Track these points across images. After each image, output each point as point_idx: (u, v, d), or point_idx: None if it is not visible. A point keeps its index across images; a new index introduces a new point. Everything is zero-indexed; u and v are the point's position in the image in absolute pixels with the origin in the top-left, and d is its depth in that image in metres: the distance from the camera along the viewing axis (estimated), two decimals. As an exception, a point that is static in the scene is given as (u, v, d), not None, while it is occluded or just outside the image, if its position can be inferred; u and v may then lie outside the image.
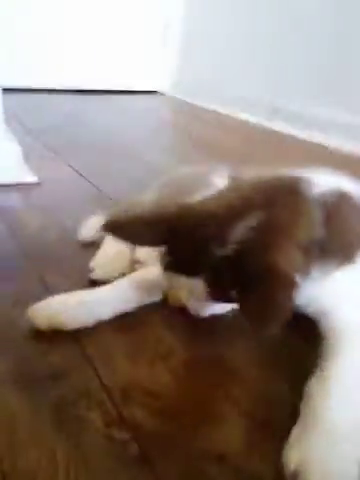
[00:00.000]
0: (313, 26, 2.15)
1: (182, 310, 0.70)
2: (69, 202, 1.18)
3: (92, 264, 0.82)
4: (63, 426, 0.52)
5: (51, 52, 2.65)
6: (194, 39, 2.90)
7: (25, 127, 1.87)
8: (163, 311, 0.73)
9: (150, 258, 0.82)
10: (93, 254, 0.86)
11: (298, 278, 0.54)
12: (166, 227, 0.60)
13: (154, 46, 2.96)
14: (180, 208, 0.61)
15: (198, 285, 0.59)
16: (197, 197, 0.65)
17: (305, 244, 0.57)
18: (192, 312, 0.67)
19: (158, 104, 2.89)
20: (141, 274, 0.76)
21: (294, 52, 2.25)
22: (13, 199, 1.18)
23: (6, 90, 1.35)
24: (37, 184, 1.27)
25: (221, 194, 0.63)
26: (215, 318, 0.68)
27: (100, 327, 0.68)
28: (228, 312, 0.67)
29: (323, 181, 0.64)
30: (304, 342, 0.67)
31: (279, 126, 2.22)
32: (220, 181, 0.76)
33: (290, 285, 0.53)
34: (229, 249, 0.56)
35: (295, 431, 0.50)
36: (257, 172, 0.72)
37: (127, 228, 0.62)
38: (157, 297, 0.74)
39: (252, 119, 2.39)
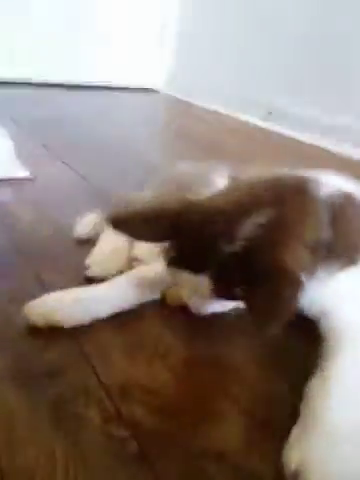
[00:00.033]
0: (311, 26, 2.15)
1: (181, 309, 0.70)
2: (62, 198, 1.17)
3: (88, 261, 0.81)
4: (61, 423, 0.52)
5: (47, 47, 2.63)
6: (190, 37, 2.90)
7: (17, 122, 1.85)
8: (162, 309, 0.72)
9: (148, 255, 0.81)
10: (88, 251, 0.86)
11: (304, 277, 0.54)
12: (172, 222, 0.59)
13: (151, 44, 2.96)
14: (187, 203, 0.61)
15: (202, 282, 0.58)
16: (200, 194, 0.64)
17: (312, 244, 0.57)
18: (193, 310, 0.67)
19: (153, 102, 2.88)
20: (139, 272, 0.75)
21: (291, 52, 2.26)
22: (5, 194, 1.16)
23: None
24: (29, 179, 1.26)
25: (228, 191, 0.63)
26: (215, 317, 0.68)
27: (97, 325, 0.68)
28: (229, 311, 0.67)
29: (330, 182, 0.64)
30: (304, 342, 0.67)
31: (275, 127, 2.23)
32: (220, 180, 0.76)
33: (296, 284, 0.53)
34: (237, 246, 0.56)
35: (295, 431, 0.50)
36: (257, 172, 0.72)
37: (131, 223, 0.61)
38: (156, 295, 0.74)
39: (249, 119, 2.39)
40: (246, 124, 2.37)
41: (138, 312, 0.72)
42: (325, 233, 0.59)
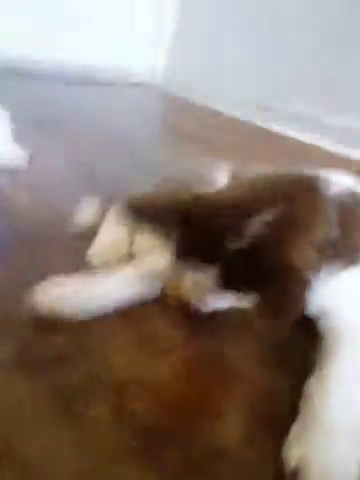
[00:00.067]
0: (311, 22, 2.15)
1: (182, 305, 0.70)
2: (58, 183, 1.17)
3: (90, 251, 0.81)
4: (67, 414, 0.52)
5: (41, 35, 2.56)
6: (187, 32, 2.87)
7: (11, 108, 1.81)
8: (163, 304, 0.72)
9: (148, 248, 0.82)
10: (88, 238, 0.85)
11: (310, 276, 0.55)
12: (182, 213, 0.59)
13: (147, 38, 2.91)
14: (197, 196, 0.61)
15: (208, 275, 0.59)
16: (206, 190, 0.65)
17: (320, 242, 0.58)
18: (194, 305, 0.67)
19: (148, 96, 2.85)
20: (142, 265, 0.75)
21: (290, 48, 2.26)
22: (1, 178, 1.14)
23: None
24: (25, 163, 1.23)
25: (237, 187, 0.63)
26: (216, 314, 0.68)
27: (99, 316, 0.68)
28: (230, 308, 0.67)
29: (340, 181, 0.65)
30: (304, 341, 0.68)
31: (273, 125, 2.23)
32: (222, 177, 0.76)
33: (303, 282, 0.54)
34: (244, 242, 0.56)
35: (295, 428, 0.52)
36: (259, 170, 0.73)
37: (145, 211, 0.61)
38: (157, 288, 0.74)
39: (245, 116, 2.39)
40: (243, 121, 2.37)
41: (138, 306, 0.72)
42: (333, 232, 0.59)
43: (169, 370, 0.61)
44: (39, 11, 2.52)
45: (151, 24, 2.92)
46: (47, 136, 1.54)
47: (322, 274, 0.60)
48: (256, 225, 0.57)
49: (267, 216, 0.57)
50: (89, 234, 0.87)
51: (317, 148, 1.96)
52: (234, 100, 2.47)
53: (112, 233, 0.85)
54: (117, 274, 0.73)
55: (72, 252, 0.83)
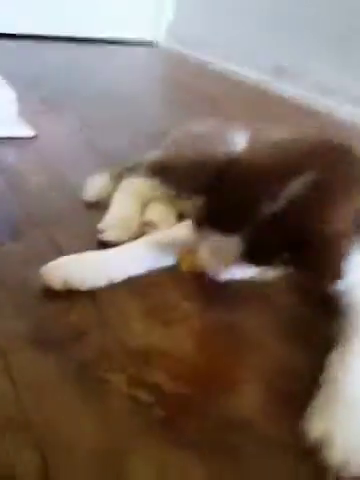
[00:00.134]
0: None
1: (196, 275, 0.70)
2: (68, 157, 1.15)
3: (101, 225, 0.80)
4: (88, 388, 0.52)
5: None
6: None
7: (14, 77, 1.77)
8: (177, 275, 0.72)
9: (161, 219, 0.81)
10: (98, 212, 0.85)
11: (348, 245, 0.53)
12: (217, 173, 0.57)
13: None
14: (235, 156, 0.59)
15: (232, 243, 0.57)
16: (220, 153, 0.63)
17: (357, 212, 0.55)
18: (210, 274, 0.65)
19: (153, 55, 2.78)
20: (156, 236, 0.75)
21: (301, 8, 2.16)
22: (9, 154, 1.13)
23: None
24: (33, 138, 1.22)
25: (272, 149, 0.61)
26: (230, 284, 0.68)
27: (114, 289, 0.68)
28: (247, 280, 0.66)
29: None
30: (322, 316, 0.67)
31: (285, 86, 2.16)
32: (240, 139, 0.74)
33: (342, 249, 0.52)
34: (280, 205, 0.54)
35: (317, 403, 0.51)
36: (277, 133, 0.71)
37: (173, 169, 0.59)
38: (170, 260, 0.74)
39: (253, 75, 2.32)
40: (252, 81, 2.29)
41: (153, 277, 0.72)
42: None
43: (187, 339, 0.61)
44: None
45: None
46: (53, 107, 1.51)
47: (355, 246, 0.58)
48: (293, 189, 0.54)
49: (306, 180, 0.54)
50: (102, 208, 0.86)
51: (330, 115, 1.90)
52: (246, 62, 2.39)
53: (124, 206, 0.84)
54: (131, 247, 0.72)
55: (85, 227, 0.83)
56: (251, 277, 0.65)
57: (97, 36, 2.71)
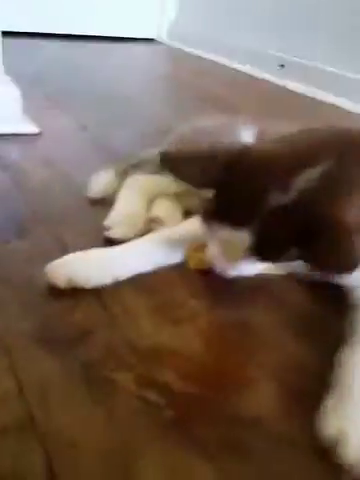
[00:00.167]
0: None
1: (203, 272, 0.69)
2: (73, 154, 1.14)
3: (107, 222, 0.79)
4: (95, 388, 0.51)
5: None
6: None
7: (18, 74, 1.77)
8: (184, 272, 0.71)
9: (167, 216, 0.80)
10: (103, 209, 0.84)
11: None
12: (226, 165, 0.56)
13: None
14: (244, 148, 0.58)
15: (240, 238, 0.56)
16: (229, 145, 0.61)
17: None
18: (218, 271, 0.64)
19: (156, 53, 2.77)
20: (162, 233, 0.73)
21: (303, 3, 2.14)
22: (14, 150, 1.12)
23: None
24: (37, 135, 1.21)
25: (282, 141, 0.60)
26: (238, 281, 0.66)
27: (121, 287, 0.67)
28: (255, 277, 0.65)
29: None
30: (332, 312, 0.66)
31: (288, 82, 2.14)
32: (247, 134, 0.73)
33: (355, 240, 0.51)
34: (290, 196, 0.53)
35: (330, 400, 0.50)
36: (286, 128, 0.69)
37: (182, 161, 0.58)
38: (178, 258, 0.72)
39: (256, 72, 2.30)
40: (255, 78, 2.28)
41: (160, 275, 0.70)
42: None
43: (196, 338, 0.60)
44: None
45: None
46: (57, 104, 1.50)
47: None
48: (305, 180, 0.53)
49: (318, 171, 0.54)
50: (107, 205, 0.85)
51: (336, 107, 1.88)
52: (248, 57, 2.38)
53: (129, 202, 0.83)
54: (137, 243, 0.71)
55: (90, 224, 0.82)
56: (259, 274, 0.64)
57: (100, 34, 2.70)
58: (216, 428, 0.49)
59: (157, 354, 0.57)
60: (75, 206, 0.89)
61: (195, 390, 0.53)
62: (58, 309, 0.62)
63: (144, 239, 0.72)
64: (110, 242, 0.75)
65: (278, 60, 2.25)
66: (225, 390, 0.53)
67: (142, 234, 0.75)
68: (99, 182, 0.92)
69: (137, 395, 0.51)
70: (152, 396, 0.51)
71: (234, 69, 2.41)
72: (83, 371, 0.53)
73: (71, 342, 0.57)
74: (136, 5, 2.76)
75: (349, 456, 0.45)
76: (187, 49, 2.74)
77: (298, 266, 0.62)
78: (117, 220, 0.79)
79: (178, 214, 0.82)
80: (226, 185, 0.57)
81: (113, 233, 0.76)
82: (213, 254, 0.63)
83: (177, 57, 2.70)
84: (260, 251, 0.57)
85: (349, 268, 0.52)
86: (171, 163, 0.58)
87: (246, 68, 2.37)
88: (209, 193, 0.58)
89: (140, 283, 0.68)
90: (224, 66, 2.46)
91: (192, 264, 0.71)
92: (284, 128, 0.70)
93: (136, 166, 0.92)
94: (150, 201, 0.84)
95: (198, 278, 0.70)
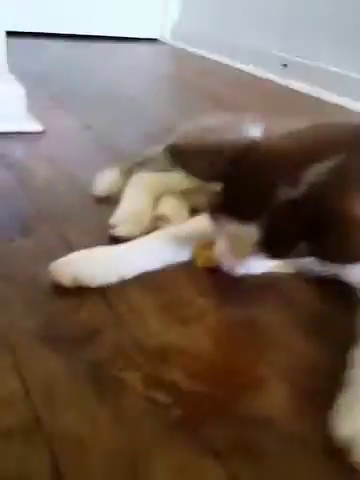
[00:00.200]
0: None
1: (211, 270, 0.68)
2: (77, 152, 1.14)
3: (113, 220, 0.78)
4: (101, 388, 0.50)
5: None
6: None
7: (22, 73, 1.76)
8: (191, 271, 0.70)
9: (174, 213, 0.79)
10: (108, 208, 0.83)
11: None
12: (233, 158, 0.56)
13: None
14: (252, 141, 0.57)
15: (249, 232, 0.55)
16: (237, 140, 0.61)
17: None
18: (225, 268, 0.63)
19: (159, 53, 2.76)
20: (170, 231, 0.72)
21: (307, 3, 2.13)
22: (17, 149, 1.12)
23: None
24: (41, 133, 1.21)
25: (291, 136, 0.59)
26: (246, 279, 0.65)
27: (127, 285, 0.66)
28: (263, 275, 0.64)
29: None
30: (341, 311, 0.65)
31: (291, 81, 2.13)
32: (255, 131, 0.72)
33: None
34: (300, 190, 0.52)
35: (344, 400, 0.49)
36: (292, 125, 0.68)
37: (190, 154, 0.58)
38: (185, 256, 0.71)
39: (259, 72, 2.29)
40: (259, 78, 2.27)
41: (167, 273, 0.69)
42: None
43: (204, 337, 0.59)
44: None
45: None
46: (62, 103, 1.50)
47: None
48: (315, 173, 0.53)
49: (328, 165, 0.53)
50: (111, 203, 0.84)
51: (339, 107, 1.87)
52: (251, 57, 2.37)
53: (135, 200, 0.82)
54: (143, 241, 0.70)
55: (95, 222, 0.81)
56: (267, 272, 0.63)
57: (104, 34, 2.70)
58: (225, 428, 0.47)
59: (165, 353, 0.56)
60: (79, 204, 0.88)
61: (203, 389, 0.51)
62: (63, 308, 0.61)
63: (150, 237, 0.71)
64: (115, 240, 0.74)
65: (281, 60, 2.24)
66: (234, 389, 0.52)
67: (148, 232, 0.74)
68: (104, 180, 0.91)
69: (145, 395, 0.50)
70: (160, 395, 0.50)
71: (237, 69, 2.39)
72: (89, 370, 0.52)
73: (76, 341, 0.56)
74: (139, 5, 2.75)
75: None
76: (190, 49, 2.73)
77: (306, 263, 0.61)
78: (123, 218, 0.78)
79: (184, 212, 0.81)
80: (234, 179, 0.56)
81: (119, 231, 0.75)
82: (221, 250, 0.62)
83: (180, 57, 2.69)
84: (268, 246, 0.56)
85: (355, 264, 0.51)
86: (180, 156, 0.57)
87: (249, 68, 2.36)
88: (218, 187, 0.57)
89: (146, 281, 0.67)
90: (227, 66, 2.45)
91: (200, 262, 0.70)
92: (292, 125, 0.69)
93: (141, 164, 0.91)
94: (156, 199, 0.83)
95: (206, 276, 0.69)
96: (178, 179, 0.81)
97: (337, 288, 0.67)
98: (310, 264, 0.61)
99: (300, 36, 2.17)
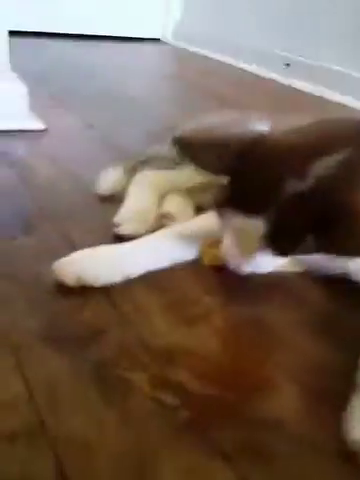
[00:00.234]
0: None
1: (217, 269, 0.67)
2: (79, 151, 1.13)
3: (117, 219, 0.77)
4: (107, 389, 0.49)
5: None
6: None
7: (24, 72, 1.76)
8: (197, 269, 0.69)
9: (179, 211, 0.78)
10: (113, 207, 0.82)
11: None
12: (241, 151, 0.55)
13: None
14: (259, 135, 0.57)
15: (255, 226, 0.54)
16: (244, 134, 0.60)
17: None
18: (231, 266, 0.62)
19: (161, 53, 2.75)
20: (175, 229, 0.71)
21: (309, 2, 2.12)
22: (20, 147, 1.11)
23: None
24: (44, 132, 1.20)
25: (300, 129, 0.59)
26: (253, 279, 0.64)
27: (132, 284, 0.65)
28: (269, 272, 0.63)
29: None
30: (349, 308, 0.64)
31: (294, 81, 2.12)
32: (261, 127, 0.71)
33: None
34: (308, 183, 0.52)
35: (356, 403, 0.47)
36: (300, 121, 0.67)
37: (197, 146, 0.57)
38: (190, 254, 0.70)
39: (262, 72, 2.28)
40: (262, 77, 2.26)
41: (172, 272, 0.68)
42: None
43: (211, 337, 0.58)
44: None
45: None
46: (63, 102, 1.49)
47: None
48: (323, 167, 0.52)
49: (336, 158, 0.53)
50: (115, 202, 0.83)
51: (342, 106, 1.86)
52: (254, 56, 2.35)
53: (139, 198, 0.81)
54: (149, 240, 0.69)
55: (98, 221, 0.80)
56: (274, 271, 0.62)
57: (106, 34, 2.69)
58: (234, 429, 0.46)
59: (171, 353, 0.54)
60: (83, 203, 0.87)
61: (211, 390, 0.50)
62: (66, 307, 0.60)
63: (155, 235, 0.70)
64: (119, 239, 0.73)
65: (284, 59, 2.23)
66: (242, 390, 0.51)
67: (153, 230, 0.73)
68: (107, 179, 0.90)
69: (151, 396, 0.49)
70: (166, 396, 0.49)
71: (240, 69, 2.38)
72: (94, 371, 0.51)
73: (80, 341, 0.55)
74: (141, 5, 2.75)
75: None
76: (192, 49, 2.72)
77: (313, 260, 0.60)
78: (127, 216, 0.77)
79: (190, 210, 0.80)
80: (241, 172, 0.56)
81: (123, 230, 0.74)
82: (227, 245, 0.60)
83: (182, 57, 2.68)
84: (275, 240, 0.55)
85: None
86: (188, 149, 0.56)
87: (252, 67, 2.35)
88: (224, 181, 0.57)
89: (151, 280, 0.66)
90: (230, 66, 2.44)
91: (206, 260, 0.69)
92: (297, 122, 0.68)
93: (145, 162, 0.90)
94: (161, 197, 0.82)
95: (212, 275, 0.67)
96: (183, 177, 0.80)
97: (345, 287, 0.66)
98: (317, 261, 0.60)
99: (303, 35, 2.16)
